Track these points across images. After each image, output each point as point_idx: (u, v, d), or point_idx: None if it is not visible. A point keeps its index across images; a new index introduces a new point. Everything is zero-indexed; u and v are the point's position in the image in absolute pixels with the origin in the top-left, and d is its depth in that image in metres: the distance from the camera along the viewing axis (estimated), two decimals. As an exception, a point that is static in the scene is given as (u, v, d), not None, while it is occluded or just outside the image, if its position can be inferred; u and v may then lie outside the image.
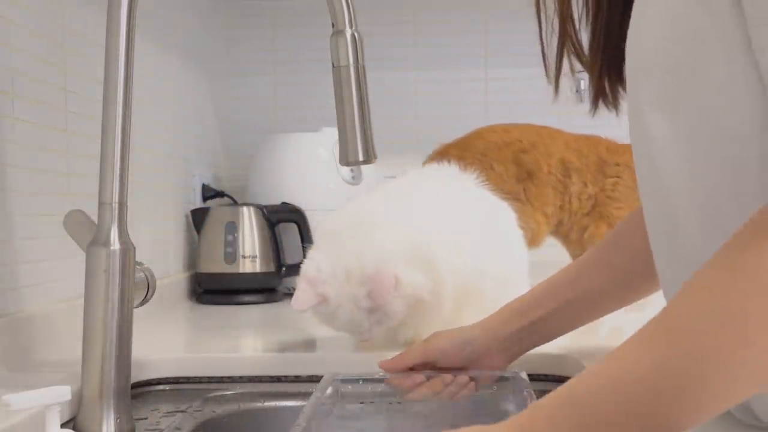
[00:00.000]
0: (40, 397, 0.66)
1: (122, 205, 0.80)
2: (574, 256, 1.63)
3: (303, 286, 0.95)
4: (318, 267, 0.94)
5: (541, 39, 0.78)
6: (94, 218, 0.81)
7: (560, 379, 0.96)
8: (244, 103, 2.04)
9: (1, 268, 0.93)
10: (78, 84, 1.13)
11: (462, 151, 1.55)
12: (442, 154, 1.56)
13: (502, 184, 1.48)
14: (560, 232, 1.55)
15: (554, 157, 1.52)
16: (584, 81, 1.96)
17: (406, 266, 0.94)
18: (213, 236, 1.64)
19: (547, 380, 0.97)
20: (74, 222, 0.83)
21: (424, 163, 1.58)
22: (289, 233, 1.69)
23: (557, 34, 0.77)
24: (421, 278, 0.94)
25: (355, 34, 0.82)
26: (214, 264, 1.63)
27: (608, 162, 1.52)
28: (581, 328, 1.17)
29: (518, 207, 1.45)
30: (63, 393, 0.67)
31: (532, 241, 1.48)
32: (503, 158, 1.52)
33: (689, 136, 0.57)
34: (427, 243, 0.97)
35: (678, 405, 0.49)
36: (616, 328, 1.23)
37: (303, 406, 0.75)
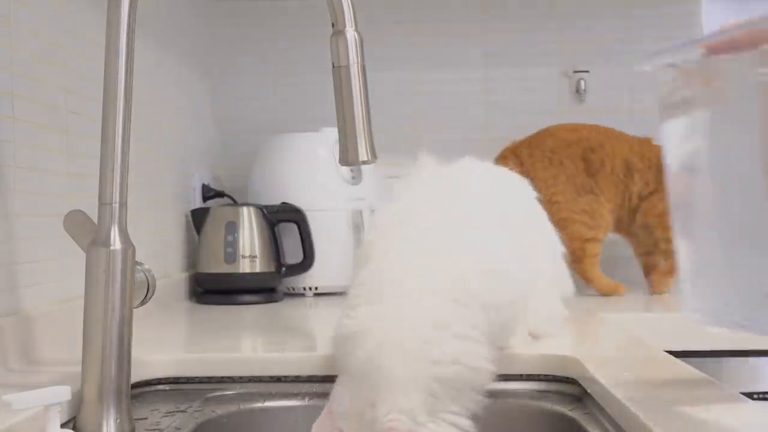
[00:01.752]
0: (40, 397, 0.66)
1: (122, 205, 0.80)
2: (637, 254, 1.72)
3: (323, 416, 0.84)
4: (341, 400, 0.84)
5: None
6: (94, 218, 0.81)
7: (561, 380, 0.96)
8: (244, 103, 2.04)
9: (1, 268, 0.93)
10: (78, 84, 1.13)
11: (532, 149, 1.63)
12: (513, 151, 1.64)
13: (574, 178, 1.58)
14: (620, 228, 1.64)
15: (618, 157, 1.60)
16: (584, 81, 1.96)
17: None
18: (213, 236, 1.64)
19: (548, 380, 0.97)
20: (74, 222, 0.83)
21: (496, 159, 1.64)
22: (289, 233, 1.69)
23: None
24: None
25: (355, 34, 0.82)
26: (214, 264, 1.63)
27: None
28: (582, 328, 1.17)
29: (592, 198, 1.57)
30: (63, 393, 0.67)
31: (603, 232, 1.60)
32: (572, 155, 1.60)
33: None
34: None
35: None
36: (617, 327, 1.23)
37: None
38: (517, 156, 1.63)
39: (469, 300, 0.83)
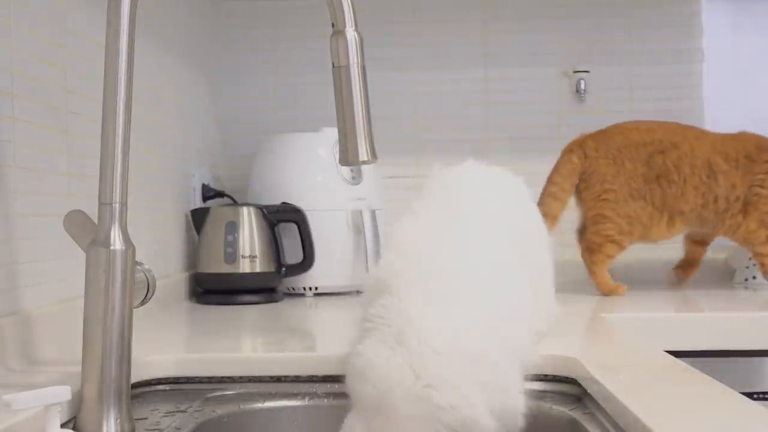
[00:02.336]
0: (40, 397, 0.66)
1: (122, 205, 0.80)
2: (689, 240, 1.76)
3: None
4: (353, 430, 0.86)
5: None
6: (94, 218, 0.81)
7: (561, 380, 0.96)
8: (244, 103, 2.04)
9: (1, 268, 0.93)
10: (78, 84, 1.13)
11: (599, 143, 1.63)
12: (580, 144, 1.65)
13: (631, 180, 1.59)
14: (706, 227, 1.64)
15: (699, 158, 1.59)
16: (584, 81, 1.97)
17: None
18: (213, 236, 1.64)
19: (547, 380, 0.97)
20: (74, 222, 0.83)
21: (563, 152, 1.65)
22: (289, 233, 1.69)
23: None
24: None
25: (355, 34, 0.82)
26: (214, 264, 1.63)
27: (757, 160, 1.59)
28: (583, 328, 1.17)
29: (641, 205, 1.58)
30: (63, 393, 0.67)
31: (644, 236, 1.61)
32: (637, 157, 1.60)
33: None
34: None
35: None
36: (617, 327, 1.23)
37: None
38: (583, 149, 1.64)
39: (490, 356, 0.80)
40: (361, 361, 0.79)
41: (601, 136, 1.64)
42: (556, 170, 1.64)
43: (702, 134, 1.63)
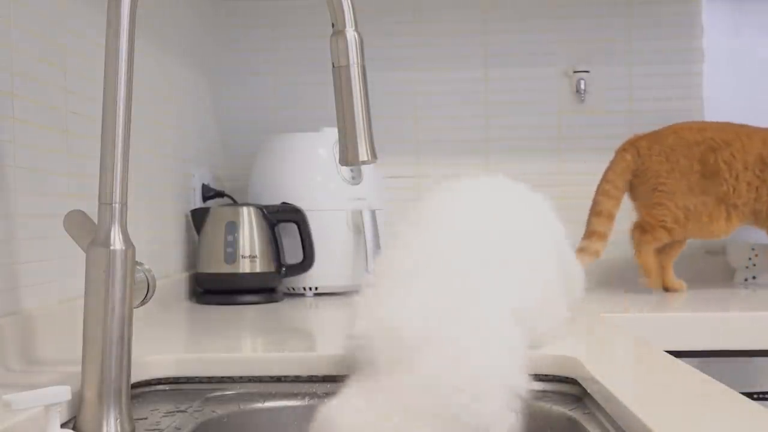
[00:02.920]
0: (40, 397, 0.66)
1: (122, 205, 0.80)
2: None
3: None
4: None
5: None
6: (94, 218, 0.81)
7: (561, 380, 0.96)
8: (244, 103, 2.04)
9: (1, 268, 0.93)
10: (78, 84, 1.13)
11: (652, 143, 1.68)
12: (633, 143, 1.70)
13: (687, 177, 1.64)
14: (759, 221, 1.67)
15: (751, 154, 1.64)
16: (584, 81, 1.96)
17: None
18: (213, 236, 1.64)
19: (547, 380, 0.97)
20: (74, 222, 0.83)
21: (617, 152, 1.70)
22: (289, 233, 1.69)
23: None
24: None
25: (355, 34, 0.82)
26: (214, 264, 1.63)
27: None
28: (583, 328, 1.17)
29: (702, 201, 1.63)
30: (63, 393, 0.67)
31: (705, 231, 1.65)
32: (690, 155, 1.65)
33: None
34: None
35: None
36: (617, 327, 1.23)
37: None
38: (636, 148, 1.69)
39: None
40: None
41: (654, 136, 1.69)
42: (610, 168, 1.70)
43: (753, 132, 1.67)
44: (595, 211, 1.69)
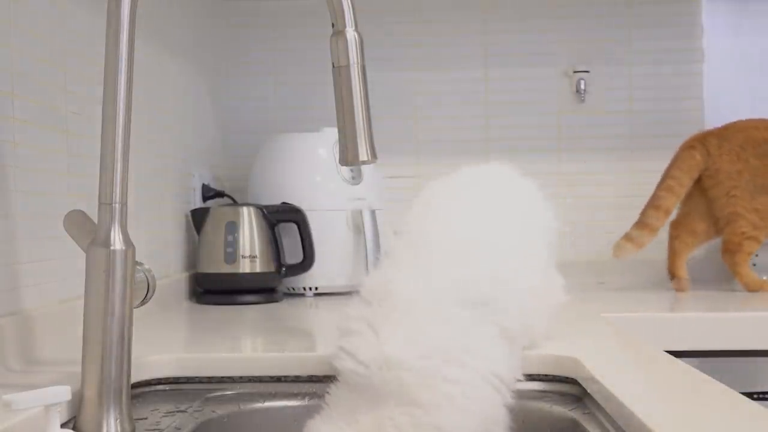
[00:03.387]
0: (40, 397, 0.66)
1: (122, 205, 0.80)
2: None
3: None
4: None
5: None
6: (94, 218, 0.81)
7: (561, 380, 0.96)
8: (244, 103, 2.04)
9: (1, 268, 0.93)
10: (78, 84, 1.13)
11: (721, 141, 1.67)
12: (701, 140, 1.69)
13: (756, 177, 1.64)
14: None
15: None
16: (584, 81, 1.96)
17: None
18: (213, 236, 1.64)
19: (547, 380, 0.97)
20: (74, 222, 0.83)
21: (681, 147, 1.70)
22: (289, 233, 1.69)
23: None
24: None
25: (355, 35, 0.82)
26: (214, 264, 1.63)
27: None
28: (583, 328, 1.17)
29: None
30: (63, 393, 0.67)
31: (766, 235, 1.67)
32: (760, 153, 1.65)
33: None
34: None
35: None
36: (617, 327, 1.23)
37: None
38: (705, 146, 1.68)
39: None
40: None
41: (723, 133, 1.69)
42: (675, 165, 1.69)
43: None
44: (653, 205, 1.68)
